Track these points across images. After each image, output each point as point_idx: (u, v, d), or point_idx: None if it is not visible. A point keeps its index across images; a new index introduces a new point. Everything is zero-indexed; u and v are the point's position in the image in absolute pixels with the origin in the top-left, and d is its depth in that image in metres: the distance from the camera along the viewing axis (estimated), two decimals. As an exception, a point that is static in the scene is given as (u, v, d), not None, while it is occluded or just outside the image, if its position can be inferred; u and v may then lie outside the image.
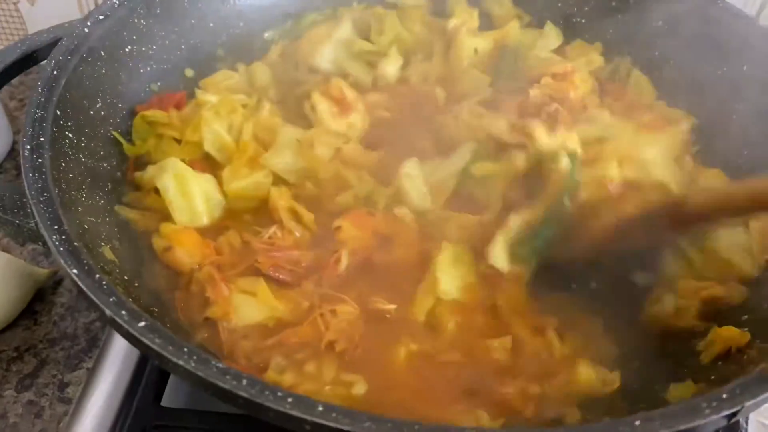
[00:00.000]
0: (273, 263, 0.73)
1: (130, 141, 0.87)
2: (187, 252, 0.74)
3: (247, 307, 0.69)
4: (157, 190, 0.79)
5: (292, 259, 0.74)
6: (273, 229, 0.75)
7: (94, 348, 0.90)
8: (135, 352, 0.87)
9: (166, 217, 0.79)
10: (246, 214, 0.81)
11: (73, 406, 0.82)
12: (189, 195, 0.78)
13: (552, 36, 1.05)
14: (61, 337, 0.91)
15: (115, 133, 0.83)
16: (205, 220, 0.80)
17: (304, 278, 0.74)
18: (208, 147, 0.85)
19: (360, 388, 0.64)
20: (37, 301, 0.94)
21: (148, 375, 0.82)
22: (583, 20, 1.07)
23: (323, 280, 0.73)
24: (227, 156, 0.85)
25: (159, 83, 0.92)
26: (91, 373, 0.86)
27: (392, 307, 0.71)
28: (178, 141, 0.87)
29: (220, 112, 0.86)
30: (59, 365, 0.89)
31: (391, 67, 0.97)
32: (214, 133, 0.85)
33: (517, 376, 0.65)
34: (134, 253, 0.75)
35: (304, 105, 0.89)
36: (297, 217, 0.78)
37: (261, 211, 0.81)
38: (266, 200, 0.80)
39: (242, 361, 0.66)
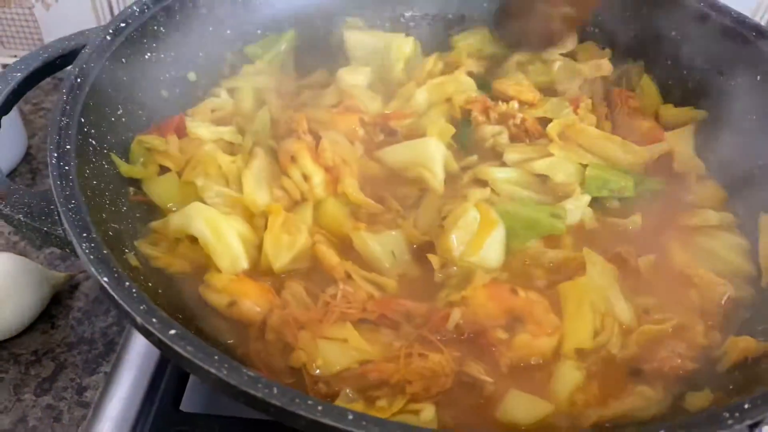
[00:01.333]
0: (382, 312, 0.70)
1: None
2: (253, 302, 0.71)
3: (336, 353, 0.66)
4: (190, 239, 0.76)
5: (402, 310, 0.71)
6: (341, 287, 0.71)
7: (111, 352, 0.91)
8: (153, 357, 0.88)
9: (195, 262, 0.76)
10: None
11: (92, 410, 0.83)
12: (224, 239, 0.75)
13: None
14: (78, 341, 0.92)
15: (113, 156, 0.80)
16: (245, 264, 0.76)
17: (406, 322, 0.71)
18: (212, 203, 0.80)
19: (428, 413, 0.62)
20: (54, 304, 0.95)
21: (167, 380, 0.82)
22: (596, 30, 1.08)
23: (426, 328, 0.70)
24: (234, 208, 0.80)
25: (177, 89, 0.93)
26: (110, 378, 0.86)
27: (490, 380, 0.66)
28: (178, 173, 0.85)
29: (209, 172, 0.82)
30: (77, 369, 0.89)
31: None
32: (214, 192, 0.81)
33: None
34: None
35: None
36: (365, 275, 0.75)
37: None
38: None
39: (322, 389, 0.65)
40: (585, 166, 0.88)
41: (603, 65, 1.02)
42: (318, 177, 0.82)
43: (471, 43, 1.10)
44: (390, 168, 0.88)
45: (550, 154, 0.88)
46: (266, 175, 0.83)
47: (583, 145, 0.91)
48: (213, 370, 0.52)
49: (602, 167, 0.88)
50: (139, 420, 0.82)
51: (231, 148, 0.88)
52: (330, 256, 0.75)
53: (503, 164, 0.89)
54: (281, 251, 0.75)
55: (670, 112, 0.99)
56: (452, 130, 0.92)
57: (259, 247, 0.77)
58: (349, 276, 0.74)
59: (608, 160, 0.90)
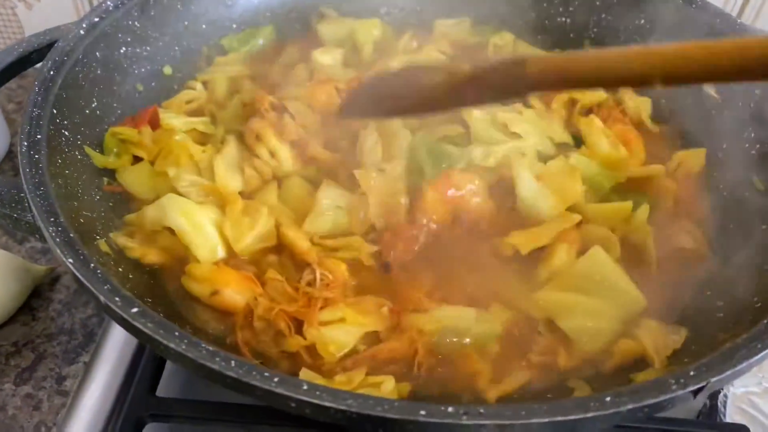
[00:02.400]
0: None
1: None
2: (235, 291, 0.72)
3: (342, 334, 0.68)
4: (168, 230, 0.77)
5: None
6: (318, 272, 0.72)
7: (91, 343, 0.93)
8: (131, 345, 0.89)
9: (172, 253, 0.77)
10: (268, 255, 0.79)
11: (71, 398, 0.85)
12: (201, 229, 0.76)
13: None
14: (58, 332, 0.94)
15: (86, 148, 0.81)
16: (223, 252, 0.77)
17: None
18: (185, 192, 0.81)
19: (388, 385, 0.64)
20: (35, 297, 0.96)
21: (144, 366, 0.84)
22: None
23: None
24: (207, 197, 0.81)
25: (153, 83, 0.95)
26: (88, 367, 0.88)
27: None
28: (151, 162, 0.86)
29: (181, 162, 0.83)
30: (57, 359, 0.91)
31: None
32: (186, 181, 0.82)
33: None
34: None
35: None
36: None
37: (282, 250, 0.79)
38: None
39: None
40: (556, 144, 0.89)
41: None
42: (284, 152, 0.84)
43: (453, 30, 1.12)
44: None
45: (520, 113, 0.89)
46: (238, 161, 0.84)
47: (576, 127, 0.92)
48: (172, 345, 0.53)
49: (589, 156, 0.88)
50: (116, 406, 0.84)
51: (204, 138, 0.89)
52: (298, 240, 0.76)
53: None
54: (242, 233, 0.76)
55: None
56: None
57: None
58: (320, 256, 0.75)
59: (596, 153, 0.88)
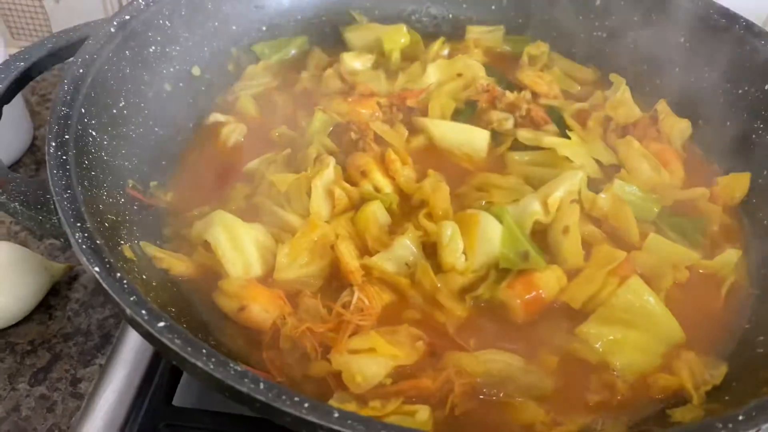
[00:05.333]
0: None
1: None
2: (263, 308, 0.69)
3: (371, 365, 0.65)
4: (205, 245, 0.76)
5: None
6: (357, 295, 0.70)
7: (107, 344, 0.91)
8: (147, 351, 0.87)
9: (203, 267, 0.76)
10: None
11: (85, 401, 0.83)
12: (240, 245, 0.74)
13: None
14: (74, 332, 0.92)
15: (131, 182, 0.80)
16: (258, 270, 0.75)
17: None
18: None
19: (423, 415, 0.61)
20: (52, 295, 0.95)
21: (161, 374, 0.82)
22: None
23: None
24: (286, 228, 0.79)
25: (181, 84, 0.93)
26: (104, 370, 0.86)
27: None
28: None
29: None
30: (72, 360, 0.89)
31: None
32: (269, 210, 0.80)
33: None
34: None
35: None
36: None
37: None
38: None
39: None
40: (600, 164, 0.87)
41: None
42: (388, 188, 0.83)
43: (485, 37, 1.11)
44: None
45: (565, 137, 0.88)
46: (331, 184, 0.82)
47: (613, 147, 0.90)
48: (200, 364, 0.51)
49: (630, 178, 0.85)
50: (132, 413, 0.81)
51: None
52: (350, 257, 0.74)
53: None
54: (291, 267, 0.74)
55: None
56: (453, 105, 0.95)
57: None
58: (365, 281, 0.73)
59: (636, 177, 0.87)
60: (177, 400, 0.81)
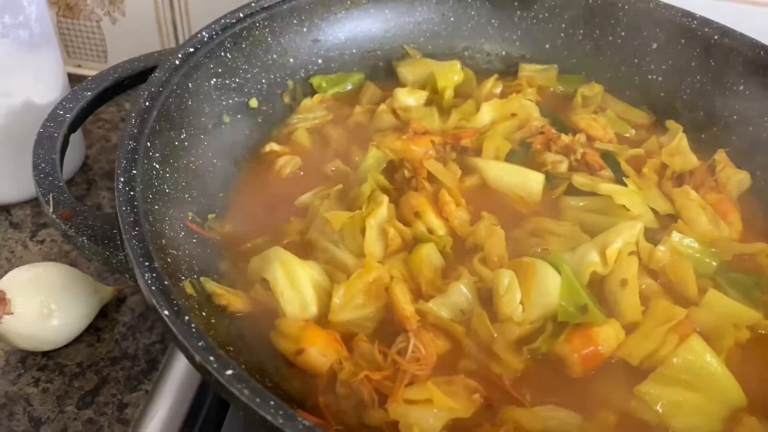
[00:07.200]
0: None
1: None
2: (321, 352, 0.69)
3: (428, 417, 0.64)
4: (263, 282, 0.76)
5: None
6: (412, 342, 0.69)
7: (153, 370, 0.92)
8: (195, 379, 0.88)
9: (261, 304, 0.76)
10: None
11: (131, 428, 0.83)
12: (297, 284, 0.74)
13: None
14: (122, 356, 0.93)
15: (190, 215, 0.80)
16: (314, 311, 0.74)
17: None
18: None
19: None
20: (101, 317, 0.96)
21: (209, 405, 0.82)
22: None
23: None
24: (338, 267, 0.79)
25: (239, 115, 0.94)
26: (150, 397, 0.86)
27: None
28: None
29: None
30: (119, 385, 0.90)
31: None
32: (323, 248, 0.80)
33: None
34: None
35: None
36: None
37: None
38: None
39: None
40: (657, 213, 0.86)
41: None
42: (442, 230, 0.83)
43: (539, 75, 1.11)
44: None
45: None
46: (385, 223, 0.82)
47: (668, 196, 0.89)
48: (269, 417, 0.51)
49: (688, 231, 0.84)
50: (179, 443, 0.82)
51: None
52: (404, 303, 0.73)
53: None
54: (346, 309, 0.74)
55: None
56: (508, 146, 0.94)
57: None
58: (419, 327, 0.72)
59: (694, 229, 0.85)
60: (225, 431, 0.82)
